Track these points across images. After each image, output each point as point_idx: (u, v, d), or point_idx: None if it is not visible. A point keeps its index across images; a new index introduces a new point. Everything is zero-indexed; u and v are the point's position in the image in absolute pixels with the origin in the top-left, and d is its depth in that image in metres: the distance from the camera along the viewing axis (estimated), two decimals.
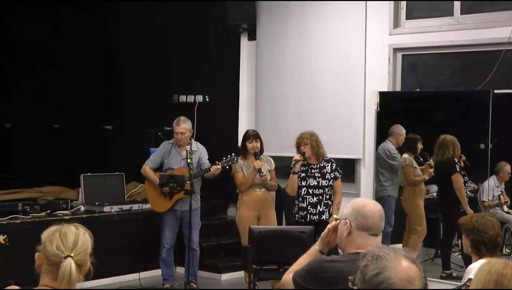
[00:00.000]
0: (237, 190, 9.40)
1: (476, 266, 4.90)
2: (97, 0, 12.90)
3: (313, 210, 8.73)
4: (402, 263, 2.75)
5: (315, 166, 8.79)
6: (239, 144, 11.30)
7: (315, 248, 4.28)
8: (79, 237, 3.38)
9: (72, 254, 3.30)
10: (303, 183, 8.78)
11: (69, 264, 3.27)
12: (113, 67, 13.18)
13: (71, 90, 13.57)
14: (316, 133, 8.90)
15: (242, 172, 9.18)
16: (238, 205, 9.35)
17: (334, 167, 8.80)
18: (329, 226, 4.22)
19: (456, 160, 9.35)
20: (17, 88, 14.19)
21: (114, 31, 13.12)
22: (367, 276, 2.75)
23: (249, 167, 9.13)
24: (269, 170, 9.20)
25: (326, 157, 8.83)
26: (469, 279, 4.92)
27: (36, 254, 3.40)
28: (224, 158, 9.07)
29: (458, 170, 9.32)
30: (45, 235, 3.39)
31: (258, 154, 9.07)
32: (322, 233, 4.26)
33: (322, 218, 8.64)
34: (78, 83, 13.51)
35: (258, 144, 9.12)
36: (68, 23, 13.46)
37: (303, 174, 8.81)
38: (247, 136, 9.20)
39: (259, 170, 8.99)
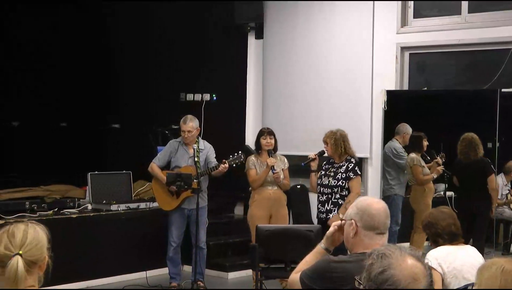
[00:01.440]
0: (250, 188, 9.39)
1: (433, 254, 5.09)
2: (98, 1, 12.93)
3: (322, 208, 8.70)
4: (407, 260, 2.77)
5: (336, 165, 8.75)
6: (246, 142, 11.35)
7: (321, 246, 4.28)
8: (28, 234, 3.29)
9: (20, 252, 3.23)
10: (319, 181, 8.77)
11: (16, 261, 3.19)
12: (121, 66, 13.18)
13: (78, 89, 13.57)
14: (340, 131, 8.79)
15: (255, 169, 9.18)
16: (250, 203, 9.34)
17: (350, 167, 8.63)
18: (333, 224, 4.22)
19: (489, 160, 9.26)
20: (24, 87, 14.20)
21: (122, 30, 13.11)
22: (372, 274, 2.77)
23: (262, 164, 9.13)
24: (282, 169, 9.19)
25: (349, 157, 8.72)
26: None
27: None
28: (231, 156, 9.06)
29: (494, 171, 9.26)
30: None
31: (271, 152, 9.06)
32: (327, 232, 4.26)
33: (329, 216, 8.61)
34: (86, 82, 13.51)
35: (273, 141, 9.11)
36: (69, 23, 13.47)
37: (322, 172, 8.80)
38: (262, 132, 9.21)
39: (272, 168, 8.99)
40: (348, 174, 8.61)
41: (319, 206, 8.76)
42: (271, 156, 9.02)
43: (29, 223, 3.39)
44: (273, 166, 8.96)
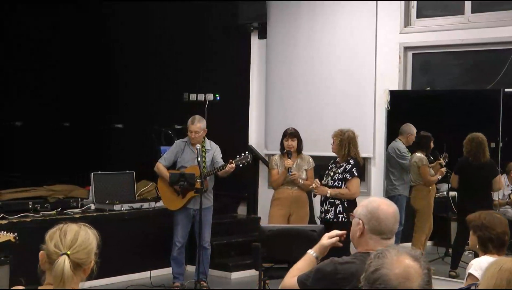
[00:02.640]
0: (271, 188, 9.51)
1: (477, 262, 4.93)
2: (98, 0, 12.95)
3: (321, 208, 8.75)
4: (401, 260, 2.79)
5: (338, 165, 8.77)
6: (250, 142, 11.37)
7: (311, 254, 4.28)
8: (79, 235, 3.35)
9: (68, 252, 3.28)
10: (322, 180, 8.80)
11: (63, 261, 3.24)
12: (124, 65, 13.20)
13: (81, 89, 13.60)
14: (349, 132, 8.79)
15: (277, 169, 9.30)
16: (271, 203, 9.46)
17: (348, 168, 8.65)
18: (332, 236, 4.21)
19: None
20: (25, 87, 14.24)
21: (125, 29, 13.13)
22: (367, 273, 2.80)
23: (284, 165, 9.19)
24: (306, 169, 9.22)
25: (349, 159, 8.71)
26: (469, 274, 4.93)
27: (40, 252, 3.38)
28: (238, 156, 9.09)
29: (499, 172, 9.26)
30: (48, 233, 3.37)
31: (290, 153, 9.14)
32: (325, 242, 4.25)
33: (326, 217, 8.62)
34: (88, 82, 13.54)
35: (295, 143, 9.18)
36: (68, 23, 13.50)
37: (326, 171, 8.84)
38: (285, 134, 9.30)
39: (289, 169, 9.06)
40: (345, 175, 8.64)
41: (320, 206, 8.80)
42: (290, 158, 9.11)
43: (82, 225, 3.44)
44: (290, 167, 9.02)
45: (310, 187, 8.88)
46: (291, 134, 9.23)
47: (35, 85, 14.13)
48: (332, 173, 8.71)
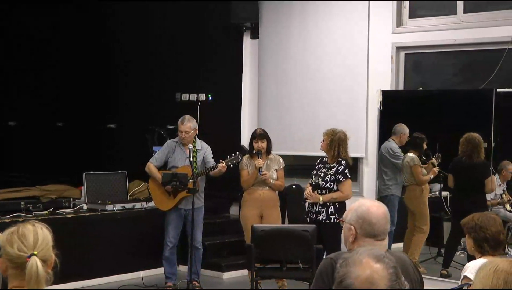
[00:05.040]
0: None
1: (473, 265, 4.91)
2: (97, 0, 12.93)
3: (311, 209, 8.72)
4: (365, 266, 2.81)
5: (327, 165, 8.76)
6: (242, 142, 11.35)
7: None
8: (38, 234, 3.34)
9: (35, 252, 3.27)
10: (310, 181, 8.78)
11: (34, 262, 3.24)
12: (116, 66, 13.19)
13: (74, 89, 13.60)
14: (341, 133, 8.77)
15: (247, 170, 9.21)
16: (241, 203, 9.39)
17: (340, 170, 8.64)
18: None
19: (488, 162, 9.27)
20: (20, 87, 14.23)
21: (117, 30, 13.13)
22: (335, 284, 2.85)
23: (254, 165, 9.15)
24: (276, 170, 9.20)
25: (340, 160, 8.72)
26: (465, 277, 4.92)
27: None
28: (228, 156, 9.08)
29: (493, 173, 9.25)
30: (2, 239, 3.36)
31: (260, 154, 9.09)
32: None
33: (318, 218, 8.61)
34: (81, 82, 13.54)
35: (264, 144, 9.12)
36: (68, 23, 13.49)
37: (314, 171, 8.81)
38: (254, 135, 9.22)
39: (259, 169, 9.02)
40: (338, 177, 8.63)
41: (308, 206, 8.77)
42: (260, 158, 9.07)
43: (34, 223, 3.42)
44: (261, 167, 9.00)
45: (305, 196, 8.78)
46: (260, 135, 9.18)
47: (31, 85, 14.13)
48: (322, 174, 8.70)
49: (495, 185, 9.45)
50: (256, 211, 9.18)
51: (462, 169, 9.44)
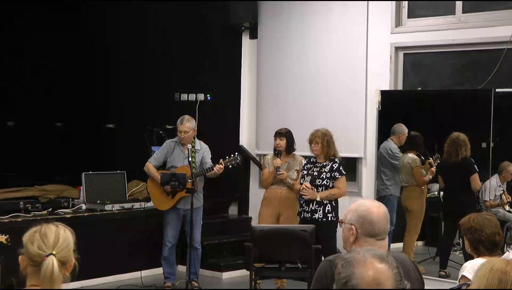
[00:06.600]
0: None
1: (471, 264, 4.92)
2: (95, 1, 12.94)
3: (307, 208, 8.71)
4: (369, 266, 2.79)
5: (319, 164, 8.77)
6: (241, 142, 11.36)
7: None
8: (60, 235, 3.37)
9: (54, 252, 3.29)
10: (302, 181, 8.77)
11: (51, 261, 3.26)
12: (115, 66, 13.19)
13: (73, 89, 13.60)
14: (329, 131, 8.84)
15: (268, 169, 9.27)
16: (261, 202, 9.44)
17: (335, 167, 8.68)
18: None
19: (473, 160, 9.28)
20: (20, 87, 14.22)
21: (116, 30, 13.13)
22: (338, 286, 2.81)
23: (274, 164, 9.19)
24: (296, 170, 9.20)
25: (332, 157, 8.76)
26: (463, 276, 4.92)
27: (20, 257, 3.38)
28: (227, 157, 9.08)
29: (477, 170, 9.26)
30: (25, 237, 3.38)
31: (279, 153, 9.14)
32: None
33: (314, 216, 8.61)
34: (80, 82, 13.55)
35: (283, 143, 9.16)
36: (68, 23, 13.48)
37: (305, 172, 8.81)
38: (275, 133, 9.26)
39: (277, 168, 9.05)
40: (334, 174, 8.66)
41: (303, 205, 8.76)
42: (279, 157, 9.10)
43: (58, 224, 3.45)
44: (278, 167, 9.01)
45: (300, 191, 8.77)
46: (279, 133, 9.23)
47: (29, 85, 14.11)
48: (316, 173, 8.70)
49: (479, 183, 9.38)
50: (274, 210, 9.22)
51: (447, 169, 9.53)
